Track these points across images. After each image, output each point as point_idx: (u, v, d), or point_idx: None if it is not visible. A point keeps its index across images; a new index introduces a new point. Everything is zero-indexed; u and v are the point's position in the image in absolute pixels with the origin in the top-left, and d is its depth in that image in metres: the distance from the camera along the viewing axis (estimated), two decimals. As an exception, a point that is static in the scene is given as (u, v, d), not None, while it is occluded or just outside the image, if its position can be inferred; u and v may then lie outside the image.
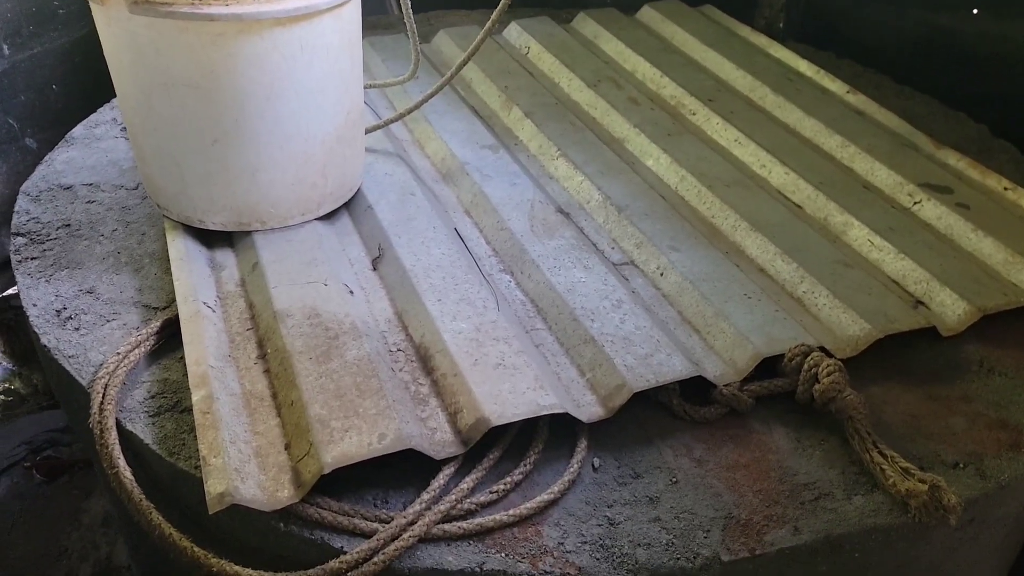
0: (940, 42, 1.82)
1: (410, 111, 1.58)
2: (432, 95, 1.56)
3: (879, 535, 1.00)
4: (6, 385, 2.42)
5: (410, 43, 1.55)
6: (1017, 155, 1.69)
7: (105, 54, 1.26)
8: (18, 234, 1.40)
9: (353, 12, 1.29)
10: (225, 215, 1.32)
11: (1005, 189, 1.52)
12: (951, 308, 1.26)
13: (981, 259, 1.38)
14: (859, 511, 1.01)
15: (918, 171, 1.57)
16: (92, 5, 1.20)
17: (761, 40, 2.07)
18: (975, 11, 1.70)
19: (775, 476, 1.05)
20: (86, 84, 2.10)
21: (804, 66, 1.95)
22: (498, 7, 1.45)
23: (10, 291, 2.42)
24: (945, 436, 1.11)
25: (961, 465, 1.07)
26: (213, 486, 0.96)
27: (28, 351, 2.45)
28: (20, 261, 1.34)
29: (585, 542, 0.97)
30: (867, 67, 2.00)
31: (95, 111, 1.80)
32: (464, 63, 1.54)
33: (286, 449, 1.03)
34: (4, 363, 2.54)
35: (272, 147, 1.27)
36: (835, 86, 1.88)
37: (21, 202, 1.46)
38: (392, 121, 1.58)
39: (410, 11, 1.49)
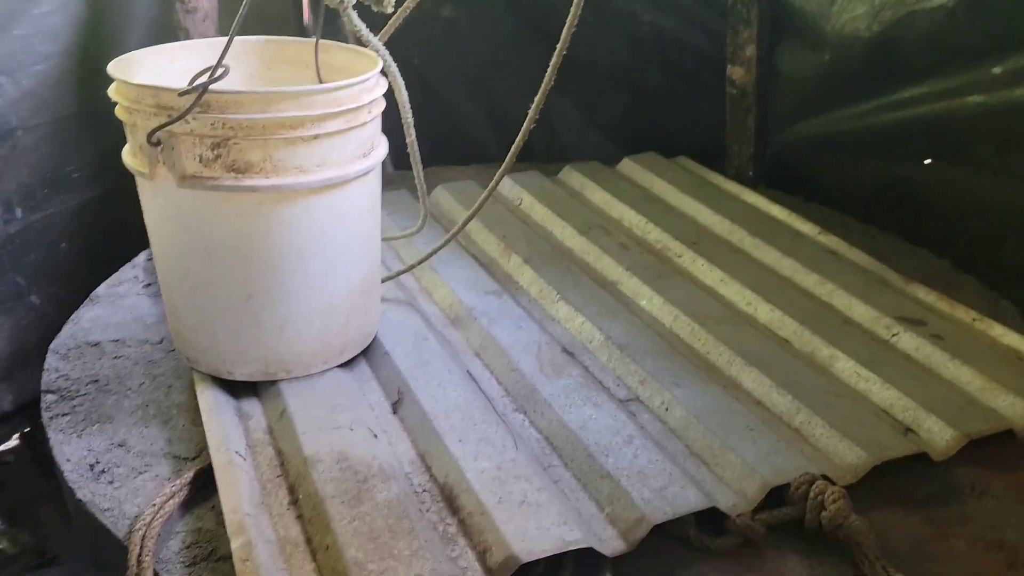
0: (899, 188, 2.00)
1: (421, 262, 1.69)
2: (440, 248, 1.68)
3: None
4: (-7, 544, 2.35)
5: (419, 200, 1.69)
6: (980, 288, 1.82)
7: (147, 222, 1.36)
8: (48, 391, 1.45)
9: (375, 177, 1.42)
10: (253, 366, 1.39)
11: (973, 320, 1.65)
12: (939, 435, 1.35)
13: (960, 386, 1.48)
14: (877, 634, 1.06)
15: (892, 305, 1.69)
16: (139, 179, 1.32)
17: (734, 187, 2.24)
18: (928, 161, 1.88)
19: (794, 604, 1.10)
20: (94, 242, 2.19)
21: (776, 210, 2.11)
22: (501, 168, 1.60)
23: (2, 447, 2.41)
24: (948, 559, 1.17)
25: (967, 586, 1.13)
26: (258, 633, 0.98)
27: (15, 508, 2.42)
28: (51, 418, 1.39)
29: (619, 676, 1.00)
30: (834, 209, 2.17)
31: (103, 267, 1.87)
32: (469, 219, 1.67)
33: (324, 594, 1.07)
34: (-9, 521, 2.48)
35: (301, 302, 1.36)
36: (806, 228, 2.03)
37: (50, 360, 1.52)
38: (405, 271, 1.69)
39: (421, 173, 1.62)
